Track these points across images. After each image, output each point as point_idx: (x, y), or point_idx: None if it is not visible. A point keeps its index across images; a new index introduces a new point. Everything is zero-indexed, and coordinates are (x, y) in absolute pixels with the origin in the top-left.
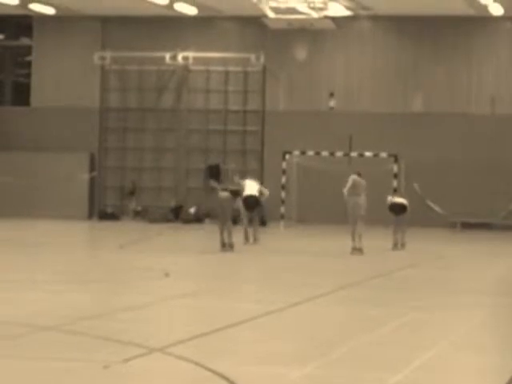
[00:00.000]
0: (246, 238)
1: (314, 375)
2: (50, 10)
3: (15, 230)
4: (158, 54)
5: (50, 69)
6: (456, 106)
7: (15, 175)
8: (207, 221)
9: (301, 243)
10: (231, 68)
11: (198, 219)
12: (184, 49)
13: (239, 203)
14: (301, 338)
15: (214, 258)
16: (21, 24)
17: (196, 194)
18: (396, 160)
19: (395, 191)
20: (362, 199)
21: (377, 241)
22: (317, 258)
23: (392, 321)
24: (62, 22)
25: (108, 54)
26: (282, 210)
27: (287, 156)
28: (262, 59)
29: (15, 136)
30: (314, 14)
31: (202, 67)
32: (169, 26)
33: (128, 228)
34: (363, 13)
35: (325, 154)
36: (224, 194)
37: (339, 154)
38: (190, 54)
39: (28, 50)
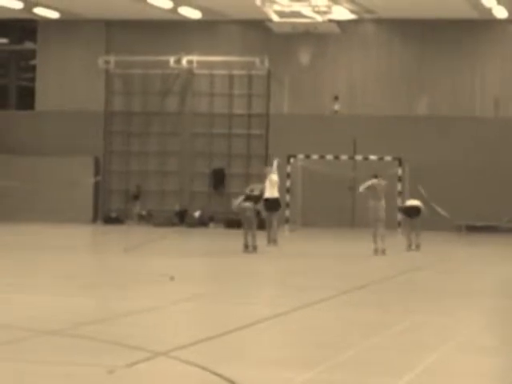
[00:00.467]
0: (268, 241)
1: (319, 380)
2: (54, 14)
3: (19, 234)
4: (163, 58)
5: (54, 73)
6: (460, 109)
7: (19, 179)
8: (212, 225)
9: (306, 247)
10: (235, 72)
11: (202, 223)
12: (188, 52)
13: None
14: (306, 342)
15: (219, 262)
16: (25, 28)
17: (201, 197)
18: (400, 163)
19: (400, 194)
20: (382, 202)
21: (388, 243)
22: (322, 261)
23: (396, 324)
24: (67, 26)
25: (112, 58)
26: (287, 213)
27: (292, 160)
28: (267, 63)
29: (19, 140)
30: (319, 18)
31: (206, 71)
32: (173, 30)
33: (132, 232)
34: (367, 16)
35: (329, 157)
36: (246, 205)
37: (344, 157)
38: (195, 58)
39: (32, 54)
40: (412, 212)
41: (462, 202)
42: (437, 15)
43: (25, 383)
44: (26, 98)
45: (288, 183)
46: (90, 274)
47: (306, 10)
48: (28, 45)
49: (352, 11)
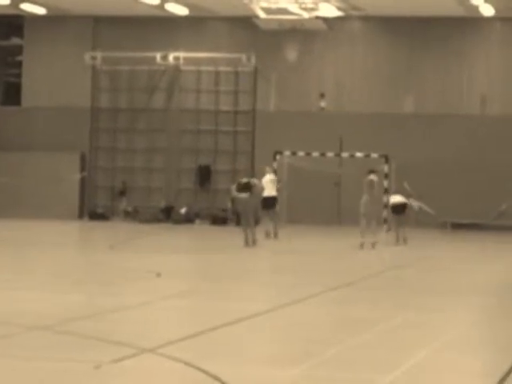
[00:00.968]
0: (267, 235)
1: (306, 376)
2: (41, 10)
3: (4, 229)
4: (149, 54)
5: (40, 69)
6: (447, 107)
7: (5, 175)
8: (198, 221)
9: (292, 243)
10: (222, 68)
11: (188, 219)
12: (175, 49)
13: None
14: (292, 338)
15: (205, 258)
16: (12, 24)
17: (187, 194)
18: (387, 160)
19: (386, 191)
20: (375, 197)
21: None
22: (309, 257)
23: (383, 322)
24: (53, 21)
25: (99, 54)
26: None
27: (278, 156)
28: (253, 60)
29: (5, 136)
30: (305, 15)
31: (192, 67)
32: (160, 26)
33: (118, 228)
34: (354, 13)
35: (315, 154)
36: (242, 196)
37: (330, 154)
38: (181, 54)
39: (19, 49)
40: (399, 209)
41: (447, 199)
42: (424, 13)
43: (12, 379)
44: (13, 94)
45: None
46: (76, 270)
47: (292, 6)
48: (15, 40)
49: (339, 8)
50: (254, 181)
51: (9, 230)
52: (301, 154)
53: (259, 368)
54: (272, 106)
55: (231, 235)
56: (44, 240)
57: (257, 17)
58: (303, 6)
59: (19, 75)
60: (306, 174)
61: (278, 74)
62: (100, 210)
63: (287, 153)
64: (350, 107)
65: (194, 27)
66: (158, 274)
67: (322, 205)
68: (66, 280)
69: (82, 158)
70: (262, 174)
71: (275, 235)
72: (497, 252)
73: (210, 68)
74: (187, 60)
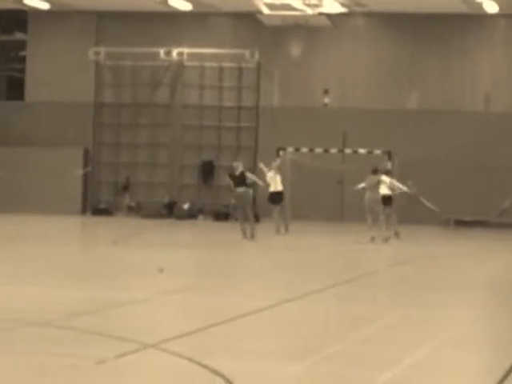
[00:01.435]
0: (277, 230)
1: (307, 372)
2: (44, 5)
3: (7, 224)
4: (153, 50)
5: (44, 64)
6: (450, 104)
7: (8, 170)
8: (201, 217)
9: (295, 240)
10: (225, 64)
11: (191, 215)
12: (178, 45)
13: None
14: (293, 335)
15: (208, 254)
16: (15, 19)
17: (190, 190)
18: (390, 157)
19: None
20: (375, 193)
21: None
22: (311, 253)
23: (383, 319)
24: (57, 16)
25: (102, 50)
26: None
27: (281, 152)
28: (257, 55)
29: (9, 131)
30: (309, 11)
31: (196, 63)
32: (163, 22)
33: (121, 223)
34: (358, 10)
35: (319, 150)
36: (240, 190)
37: (333, 150)
38: (185, 50)
39: (22, 44)
40: (385, 201)
41: (450, 197)
42: (428, 9)
43: (13, 374)
44: (16, 89)
45: None
46: (79, 265)
47: (296, 2)
48: (18, 35)
49: (343, 4)
50: (246, 172)
51: (12, 225)
52: (304, 150)
53: (262, 364)
54: (275, 101)
55: (234, 231)
56: (47, 235)
57: (260, 13)
58: (307, 2)
59: (23, 70)
60: (309, 170)
61: (282, 70)
62: (103, 206)
63: (290, 149)
64: (353, 103)
65: (197, 23)
66: (161, 270)
67: (325, 201)
68: (68, 275)
69: (86, 153)
70: (263, 174)
71: (286, 229)
72: (499, 249)
73: (214, 64)
74: (191, 56)
